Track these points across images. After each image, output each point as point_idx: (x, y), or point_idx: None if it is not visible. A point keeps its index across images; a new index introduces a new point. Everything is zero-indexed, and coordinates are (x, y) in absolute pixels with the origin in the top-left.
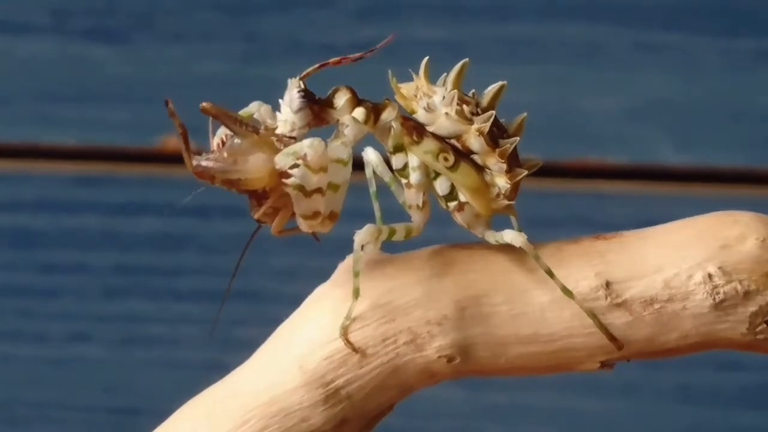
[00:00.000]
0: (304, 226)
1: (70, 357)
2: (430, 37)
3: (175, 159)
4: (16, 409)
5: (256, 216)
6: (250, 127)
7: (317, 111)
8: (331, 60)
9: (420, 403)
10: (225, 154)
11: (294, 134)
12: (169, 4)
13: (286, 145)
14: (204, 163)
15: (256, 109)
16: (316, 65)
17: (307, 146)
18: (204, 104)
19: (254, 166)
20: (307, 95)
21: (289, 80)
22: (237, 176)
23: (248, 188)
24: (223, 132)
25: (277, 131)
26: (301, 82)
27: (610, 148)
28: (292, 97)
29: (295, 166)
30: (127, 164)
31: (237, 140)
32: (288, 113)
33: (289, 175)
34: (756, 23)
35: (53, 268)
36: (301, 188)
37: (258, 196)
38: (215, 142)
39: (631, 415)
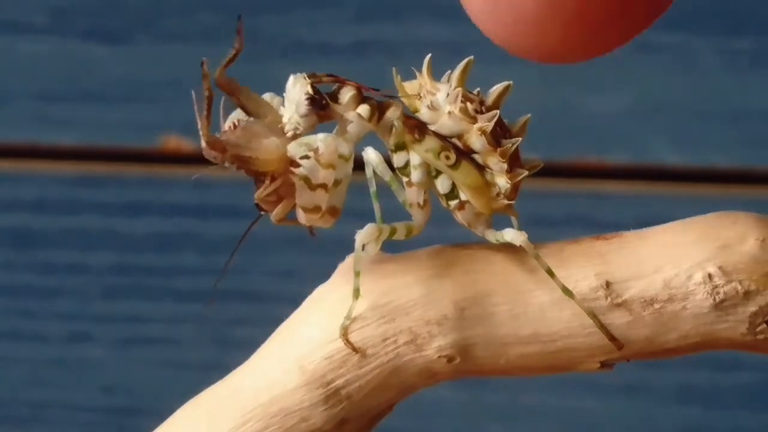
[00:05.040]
0: (302, 218)
1: (70, 357)
2: (431, 37)
3: (175, 159)
4: (16, 409)
5: (256, 197)
6: (266, 102)
7: (322, 116)
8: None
9: (420, 403)
10: (239, 133)
11: (299, 132)
12: (169, 4)
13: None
14: (218, 136)
15: (269, 99)
16: (324, 74)
17: (321, 140)
18: (219, 77)
19: (267, 148)
20: (315, 102)
21: (293, 76)
22: (249, 154)
23: (257, 169)
24: (236, 116)
25: (285, 129)
26: (310, 87)
27: (610, 148)
28: (300, 101)
29: (306, 157)
30: (127, 164)
31: (250, 122)
32: (292, 112)
33: (298, 165)
34: (756, 23)
35: (53, 268)
36: (307, 180)
37: (264, 181)
38: (227, 124)
39: (631, 415)
